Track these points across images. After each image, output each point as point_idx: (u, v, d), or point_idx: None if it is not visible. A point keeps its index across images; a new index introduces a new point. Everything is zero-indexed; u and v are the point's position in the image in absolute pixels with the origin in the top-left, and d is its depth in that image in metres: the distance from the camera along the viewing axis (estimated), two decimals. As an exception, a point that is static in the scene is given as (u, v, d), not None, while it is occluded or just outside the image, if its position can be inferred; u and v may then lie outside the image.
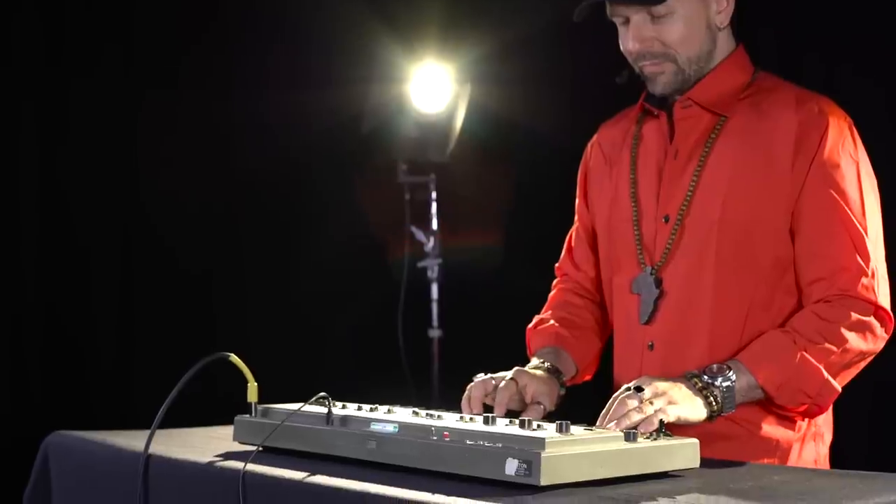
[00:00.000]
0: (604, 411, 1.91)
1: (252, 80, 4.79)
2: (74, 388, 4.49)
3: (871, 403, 3.53)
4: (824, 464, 2.24)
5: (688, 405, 1.95)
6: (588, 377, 2.44)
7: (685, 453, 1.75)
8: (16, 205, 4.43)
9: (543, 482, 1.55)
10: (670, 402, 1.92)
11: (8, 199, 4.42)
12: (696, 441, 1.77)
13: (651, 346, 2.23)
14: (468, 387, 2.18)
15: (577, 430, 1.72)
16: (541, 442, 1.59)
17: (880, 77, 3.55)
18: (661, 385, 1.95)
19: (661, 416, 1.86)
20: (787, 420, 2.16)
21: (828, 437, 2.25)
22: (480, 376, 2.19)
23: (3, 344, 4.39)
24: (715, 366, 2.04)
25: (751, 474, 1.80)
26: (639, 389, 1.92)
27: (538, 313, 2.51)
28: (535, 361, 2.31)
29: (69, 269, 4.53)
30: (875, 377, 3.39)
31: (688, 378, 2.01)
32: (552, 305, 2.51)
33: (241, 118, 4.79)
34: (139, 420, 2.18)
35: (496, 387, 2.15)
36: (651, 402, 1.89)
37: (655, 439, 1.74)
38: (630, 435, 1.71)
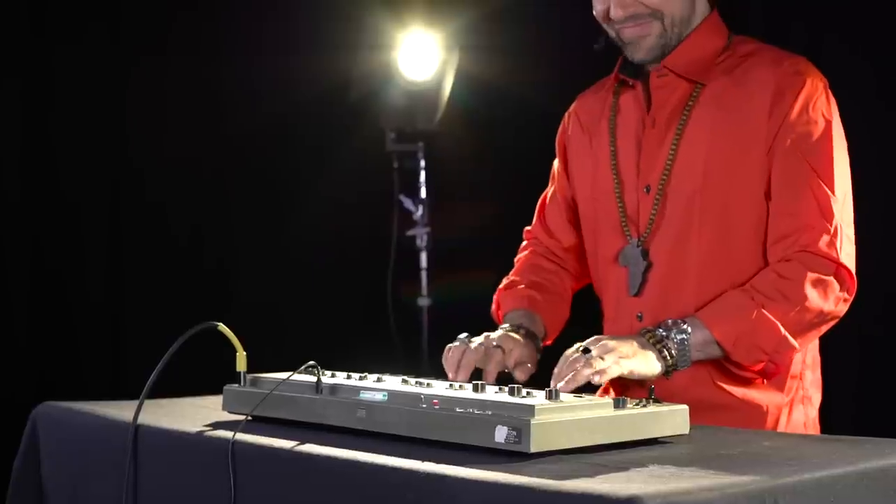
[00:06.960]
0: (554, 374, 1.91)
1: (239, 47, 4.75)
2: (63, 358, 4.48)
3: (859, 364, 3.54)
4: (813, 427, 2.25)
5: (639, 359, 1.96)
6: (549, 343, 2.41)
7: (675, 420, 1.75)
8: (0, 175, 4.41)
9: (533, 449, 1.55)
10: (621, 357, 1.93)
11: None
12: (685, 407, 1.77)
13: (640, 317, 2.23)
14: (454, 349, 2.16)
15: (566, 398, 1.72)
16: (530, 409, 1.59)
17: (867, 46, 3.53)
18: (610, 343, 1.96)
19: (613, 368, 1.87)
20: (774, 384, 2.16)
21: (816, 399, 2.26)
22: (463, 337, 2.18)
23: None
24: (670, 320, 2.05)
25: (740, 440, 1.80)
26: (586, 351, 1.93)
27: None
28: (508, 325, 2.29)
29: (59, 236, 4.50)
30: (861, 337, 3.41)
31: (641, 334, 2.03)
32: (522, 268, 2.51)
33: (228, 86, 4.76)
34: (129, 390, 2.17)
35: (483, 354, 2.14)
36: (602, 359, 1.90)
37: (645, 406, 1.75)
38: (619, 402, 1.71)
